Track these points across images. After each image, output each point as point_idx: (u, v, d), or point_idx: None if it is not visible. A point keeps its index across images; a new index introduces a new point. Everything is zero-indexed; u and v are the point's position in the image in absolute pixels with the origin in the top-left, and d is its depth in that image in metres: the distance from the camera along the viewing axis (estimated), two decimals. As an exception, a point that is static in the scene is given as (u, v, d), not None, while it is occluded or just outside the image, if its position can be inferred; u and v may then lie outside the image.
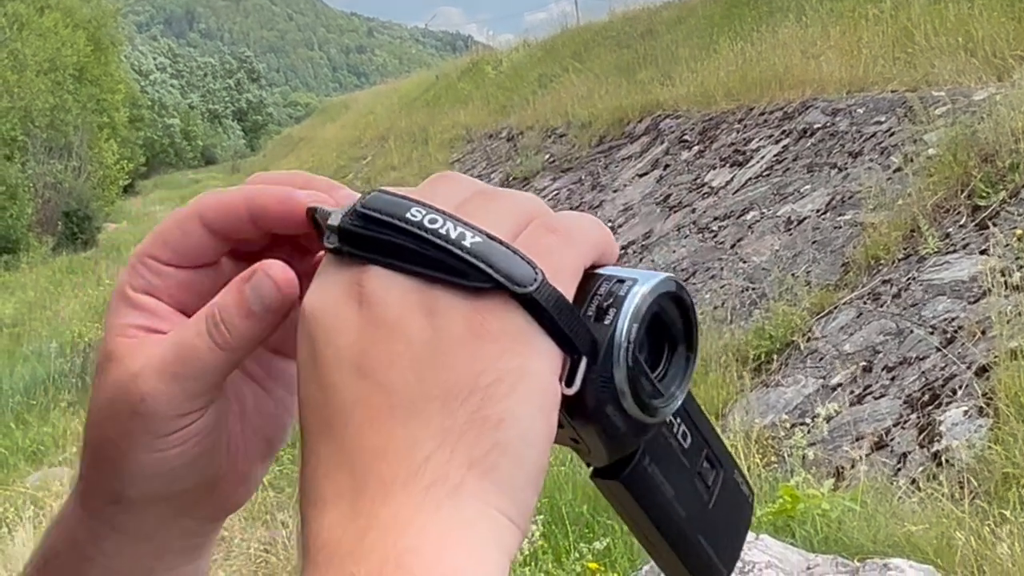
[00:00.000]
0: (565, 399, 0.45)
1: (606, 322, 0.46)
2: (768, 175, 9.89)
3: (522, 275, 0.44)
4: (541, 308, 0.44)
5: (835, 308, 7.12)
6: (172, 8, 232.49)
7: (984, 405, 5.26)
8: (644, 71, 16.27)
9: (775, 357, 7.02)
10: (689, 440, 0.51)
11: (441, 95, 26.82)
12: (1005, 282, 5.91)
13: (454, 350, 0.44)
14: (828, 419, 5.94)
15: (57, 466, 8.37)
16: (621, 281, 0.47)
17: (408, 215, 0.46)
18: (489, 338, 0.44)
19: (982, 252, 6.44)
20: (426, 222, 0.45)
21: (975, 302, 6.07)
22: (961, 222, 6.93)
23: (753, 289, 8.26)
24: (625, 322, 0.45)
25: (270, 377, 0.61)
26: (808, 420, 6.09)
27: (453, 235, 0.45)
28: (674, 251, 9.88)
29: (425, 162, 19.78)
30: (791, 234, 8.65)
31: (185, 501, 0.57)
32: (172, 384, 0.52)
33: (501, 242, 0.45)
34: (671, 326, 0.49)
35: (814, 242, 8.27)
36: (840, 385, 6.30)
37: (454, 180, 0.51)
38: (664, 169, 12.00)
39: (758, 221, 9.21)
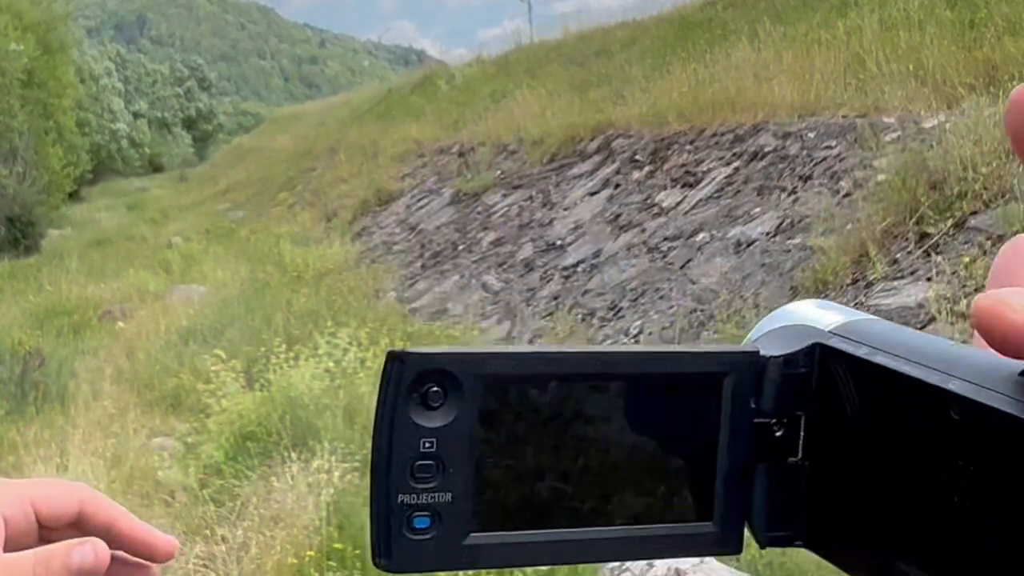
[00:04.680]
0: None
1: None
2: (718, 197, 9.92)
3: None
4: None
5: (783, 331, 7.13)
6: (123, 14, 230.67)
7: (930, 431, 5.27)
8: (597, 90, 16.31)
9: (723, 379, 7.01)
10: None
11: (393, 108, 26.78)
12: (951, 309, 5.94)
13: None
14: (774, 442, 5.94)
15: (-8, 475, 8.20)
16: None
17: None
18: None
19: (929, 279, 6.48)
20: None
21: (921, 328, 6.10)
22: (909, 248, 6.98)
23: (702, 311, 8.27)
24: None
25: None
26: (754, 443, 6.09)
27: None
28: (624, 271, 9.88)
29: (376, 175, 19.69)
30: (740, 256, 8.67)
31: None
32: None
33: None
34: None
35: (763, 265, 8.29)
36: (787, 408, 6.30)
37: None
38: (615, 188, 12.01)
39: (708, 243, 9.23)
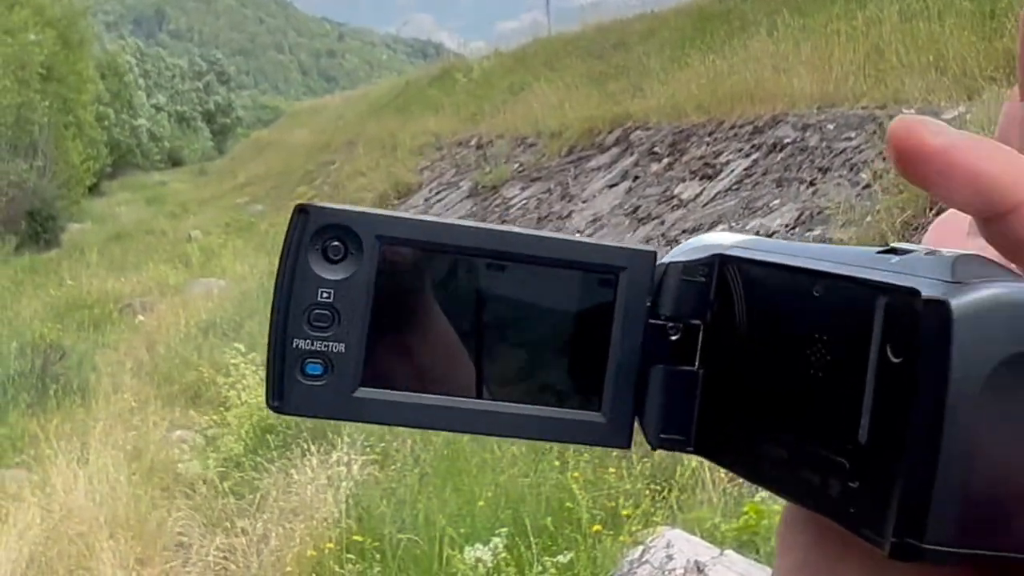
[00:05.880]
0: None
1: None
2: (737, 189, 9.90)
3: None
4: None
5: (802, 323, 7.11)
6: (141, 8, 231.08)
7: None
8: (615, 82, 16.28)
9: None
10: None
11: (411, 102, 26.77)
12: (972, 301, 5.91)
13: None
14: (794, 435, 5.94)
15: (15, 468, 8.26)
16: None
17: None
18: None
19: (950, 270, 6.45)
20: None
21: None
22: (929, 240, 6.95)
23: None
24: None
25: None
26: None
27: None
28: (642, 263, 9.86)
29: (394, 168, 19.71)
30: (759, 248, 8.64)
31: None
32: None
33: None
34: None
35: (782, 257, 8.27)
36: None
37: None
38: (634, 181, 11.99)
39: (727, 235, 9.20)
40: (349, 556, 5.43)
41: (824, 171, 9.01)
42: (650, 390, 0.48)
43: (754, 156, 10.23)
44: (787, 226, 8.61)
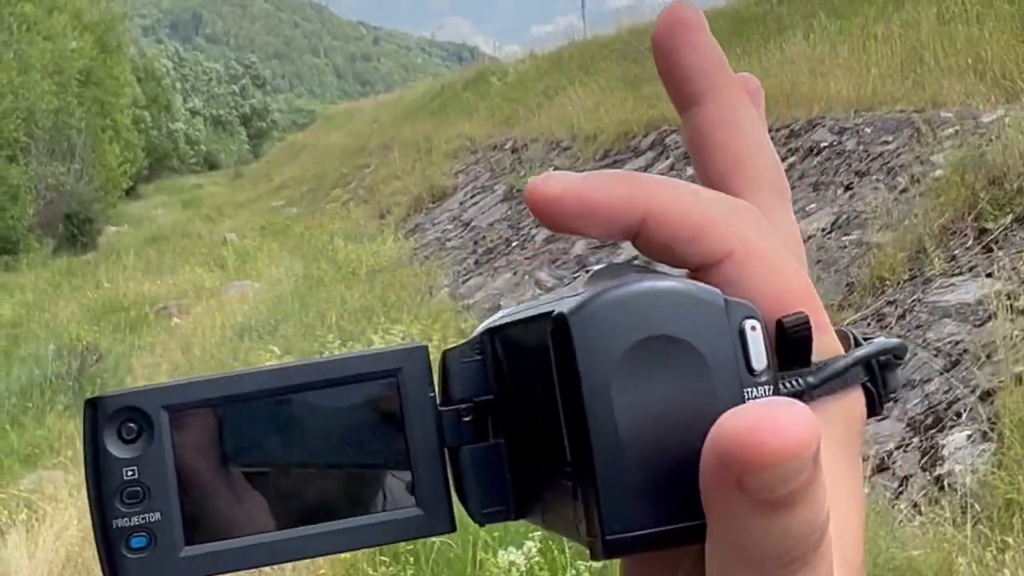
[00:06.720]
0: None
1: None
2: (773, 193, 9.85)
3: None
4: None
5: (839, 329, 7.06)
6: (178, 12, 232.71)
7: (988, 430, 5.21)
8: (650, 85, 16.24)
9: (778, 376, 6.96)
10: None
11: (446, 105, 26.83)
12: (1011, 306, 5.86)
13: None
14: (830, 440, 5.89)
15: (52, 469, 8.32)
16: None
17: None
18: None
19: (988, 275, 6.40)
20: None
21: (980, 326, 6.03)
22: (967, 244, 6.89)
23: (756, 307, 8.20)
24: None
25: None
26: (810, 441, 6.04)
27: None
28: (677, 267, 9.84)
29: (429, 172, 19.75)
30: (795, 252, 8.60)
31: None
32: None
33: None
34: None
35: (819, 261, 8.23)
36: (843, 406, 6.24)
37: None
38: (668, 184, 11.96)
39: (762, 239, 9.16)
40: (383, 559, 5.44)
41: (861, 175, 8.96)
42: (464, 472, 0.51)
43: (791, 160, 10.18)
44: (823, 230, 8.57)
